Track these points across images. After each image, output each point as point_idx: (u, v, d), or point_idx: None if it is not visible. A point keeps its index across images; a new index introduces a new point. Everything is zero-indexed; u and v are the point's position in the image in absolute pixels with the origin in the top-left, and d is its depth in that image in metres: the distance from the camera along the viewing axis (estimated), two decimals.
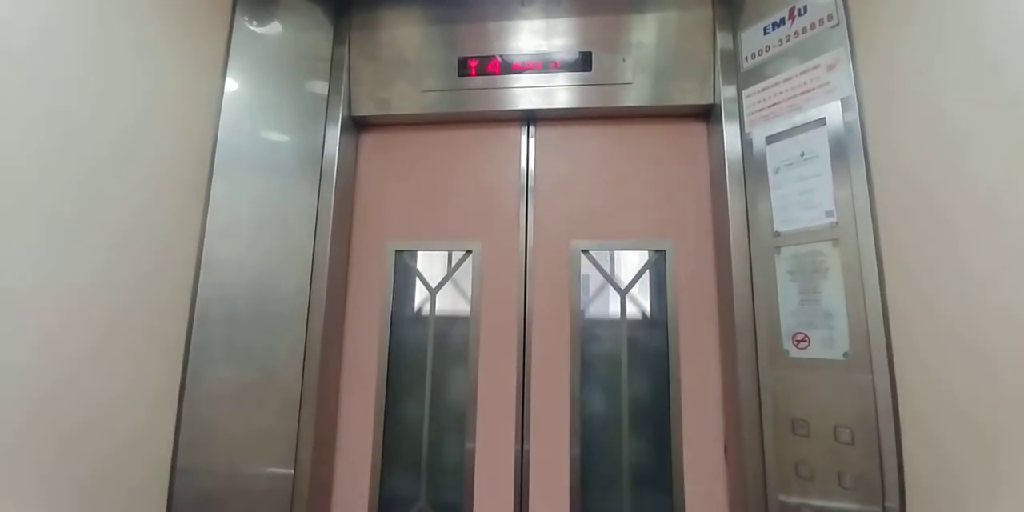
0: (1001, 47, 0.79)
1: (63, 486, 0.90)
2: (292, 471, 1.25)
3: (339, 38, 1.48)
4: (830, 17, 1.15)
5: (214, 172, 1.25)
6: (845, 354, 1.03)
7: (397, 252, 1.47)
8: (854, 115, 1.08)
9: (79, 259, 0.93)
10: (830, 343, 1.05)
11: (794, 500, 1.07)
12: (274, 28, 1.39)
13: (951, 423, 0.85)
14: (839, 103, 1.10)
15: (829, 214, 1.09)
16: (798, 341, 1.10)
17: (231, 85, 1.30)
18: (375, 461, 1.37)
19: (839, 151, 1.09)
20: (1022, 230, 0.74)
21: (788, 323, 1.13)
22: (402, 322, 1.45)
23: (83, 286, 0.94)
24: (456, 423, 1.38)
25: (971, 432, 0.82)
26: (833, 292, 1.06)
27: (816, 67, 1.15)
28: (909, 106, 0.97)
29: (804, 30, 1.19)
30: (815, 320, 1.08)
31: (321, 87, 1.44)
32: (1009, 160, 0.76)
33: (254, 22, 1.36)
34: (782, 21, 1.24)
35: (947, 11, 0.89)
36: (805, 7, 1.19)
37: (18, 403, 0.82)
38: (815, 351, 1.07)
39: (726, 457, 1.27)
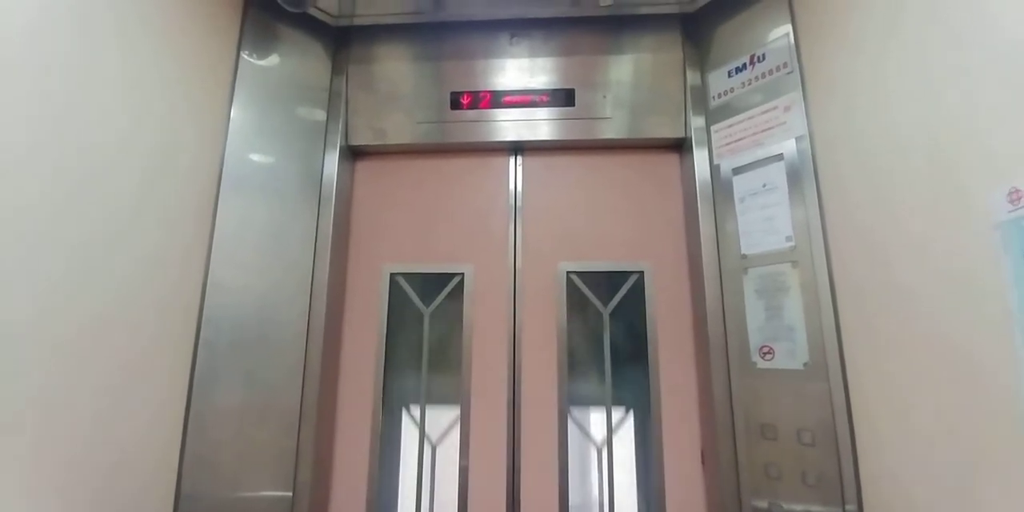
0: (932, 100, 0.93)
1: (69, 509, 0.92)
2: (291, 493, 1.28)
3: (337, 71, 1.57)
4: (785, 64, 1.30)
5: (220, 198, 1.30)
6: (805, 364, 1.15)
7: (392, 275, 1.54)
8: (807, 151, 1.22)
9: (99, 286, 0.98)
10: (792, 354, 1.18)
11: (765, 500, 1.17)
12: (275, 61, 1.47)
13: (896, 424, 0.98)
14: (794, 141, 1.25)
15: (788, 238, 1.23)
16: (764, 353, 1.22)
17: (236, 115, 1.36)
18: (372, 482, 1.41)
19: (795, 182, 1.23)
20: (947, 258, 0.88)
21: (756, 337, 1.25)
22: (397, 343, 1.52)
23: (101, 312, 0.98)
24: (450, 439, 1.44)
25: (912, 431, 0.94)
26: (794, 308, 1.19)
27: (775, 108, 1.30)
28: (852, 144, 1.11)
29: (763, 75, 1.34)
30: (779, 334, 1.21)
31: (320, 116, 1.52)
32: (938, 198, 0.90)
33: (256, 56, 1.43)
34: (744, 66, 1.39)
35: (888, 63, 1.03)
36: (764, 55, 1.35)
37: (31, 428, 0.85)
38: (779, 362, 1.20)
39: (703, 463, 1.37)
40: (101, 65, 1.00)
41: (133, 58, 1.08)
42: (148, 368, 1.09)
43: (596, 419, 1.44)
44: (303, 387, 1.34)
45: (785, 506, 1.14)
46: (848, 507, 1.05)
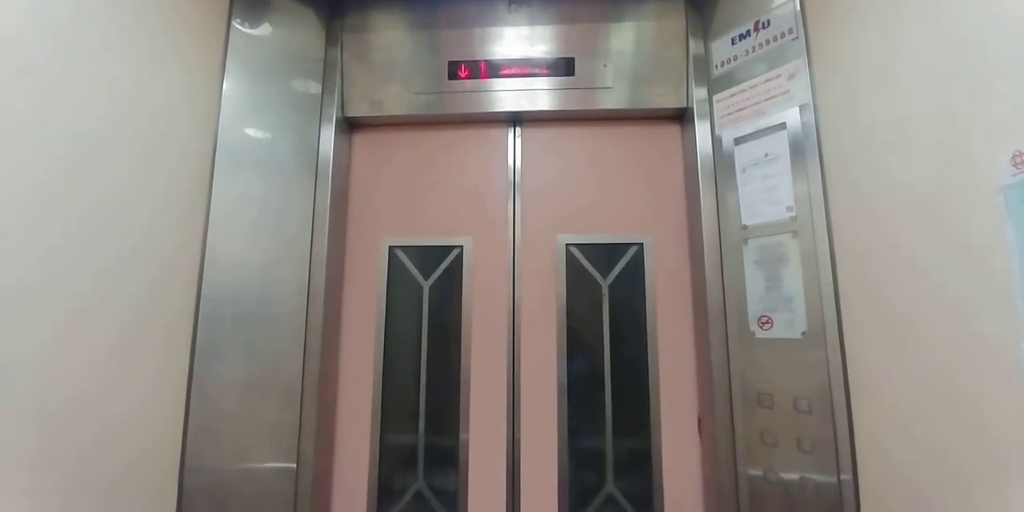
0: (938, 65, 0.91)
1: (78, 483, 0.93)
2: (295, 465, 1.30)
3: (331, 40, 1.53)
4: (791, 31, 1.27)
5: (215, 172, 1.29)
6: (803, 333, 1.16)
7: (391, 248, 1.53)
8: (811, 120, 1.20)
9: (93, 262, 0.97)
10: (790, 324, 1.18)
11: (760, 468, 1.19)
12: (268, 30, 1.43)
13: (892, 391, 0.98)
14: (798, 109, 1.22)
15: (789, 209, 1.22)
16: (763, 323, 1.23)
17: (229, 87, 1.34)
18: (373, 452, 1.44)
19: (798, 152, 1.22)
20: (950, 223, 0.87)
21: (755, 307, 1.25)
22: (397, 315, 1.52)
23: (95, 286, 0.98)
24: (450, 413, 1.45)
25: (909, 398, 0.95)
26: (793, 279, 1.19)
27: (778, 76, 1.27)
28: (856, 113, 1.09)
29: (768, 42, 1.31)
30: (778, 304, 1.21)
31: (315, 88, 1.49)
32: (942, 164, 0.89)
33: (247, 24, 1.40)
34: (748, 33, 1.35)
35: (895, 30, 1.01)
36: (768, 21, 1.31)
37: (34, 400, 0.85)
38: (778, 332, 1.20)
39: (700, 432, 1.39)
40: (90, 37, 0.98)
41: (122, 29, 1.05)
42: (145, 342, 1.10)
43: (596, 389, 1.45)
44: (304, 360, 1.35)
45: (781, 473, 1.16)
46: (843, 475, 1.07)
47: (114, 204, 1.01)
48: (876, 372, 1.03)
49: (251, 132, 1.37)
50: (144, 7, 1.10)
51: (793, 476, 1.14)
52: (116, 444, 1.02)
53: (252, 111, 1.38)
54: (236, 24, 1.37)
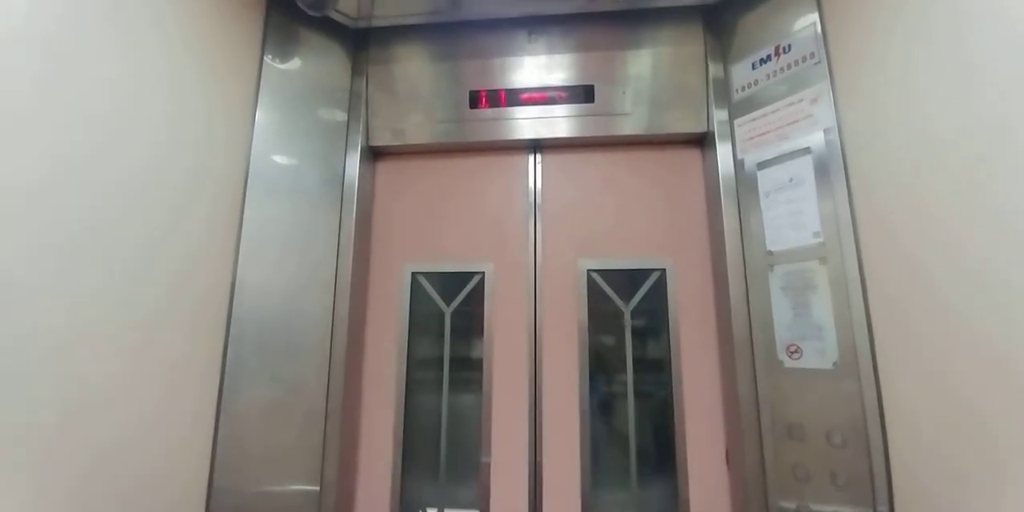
0: (971, 80, 0.89)
1: (103, 504, 0.94)
2: (318, 488, 1.31)
3: (357, 71, 1.59)
4: (812, 55, 1.26)
5: (247, 199, 1.33)
6: (835, 363, 1.12)
7: (413, 274, 1.55)
8: (836, 144, 1.19)
9: (142, 293, 1.02)
10: (821, 353, 1.15)
11: (793, 502, 1.15)
12: (297, 64, 1.49)
13: (929, 425, 0.94)
14: (822, 133, 1.21)
15: (816, 234, 1.19)
16: (792, 352, 1.19)
17: (261, 118, 1.39)
18: (395, 476, 1.43)
19: (823, 177, 1.20)
20: (980, 255, 0.84)
21: (782, 335, 1.22)
22: (419, 340, 1.53)
23: (145, 317, 1.02)
24: (472, 437, 1.45)
25: (946, 432, 0.91)
26: (822, 306, 1.16)
27: (801, 100, 1.26)
28: (884, 135, 1.07)
29: (789, 66, 1.30)
30: (807, 332, 1.18)
31: (341, 117, 1.54)
32: (968, 188, 0.87)
33: (278, 60, 1.46)
34: (769, 57, 1.35)
35: (918, 52, 1.00)
36: (790, 46, 1.31)
37: (58, 419, 0.87)
38: (808, 361, 1.17)
39: (728, 463, 1.34)
40: (139, 75, 1.04)
41: (167, 67, 1.11)
42: (187, 368, 1.14)
43: (619, 418, 1.42)
44: (328, 385, 1.36)
45: (814, 507, 1.11)
46: (879, 508, 1.02)
47: (158, 236, 1.07)
48: (912, 404, 0.98)
49: (280, 160, 1.41)
50: (183, 45, 1.17)
51: (827, 511, 1.09)
52: (150, 466, 1.04)
53: (281, 140, 1.42)
54: (268, 60, 1.43)
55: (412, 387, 1.50)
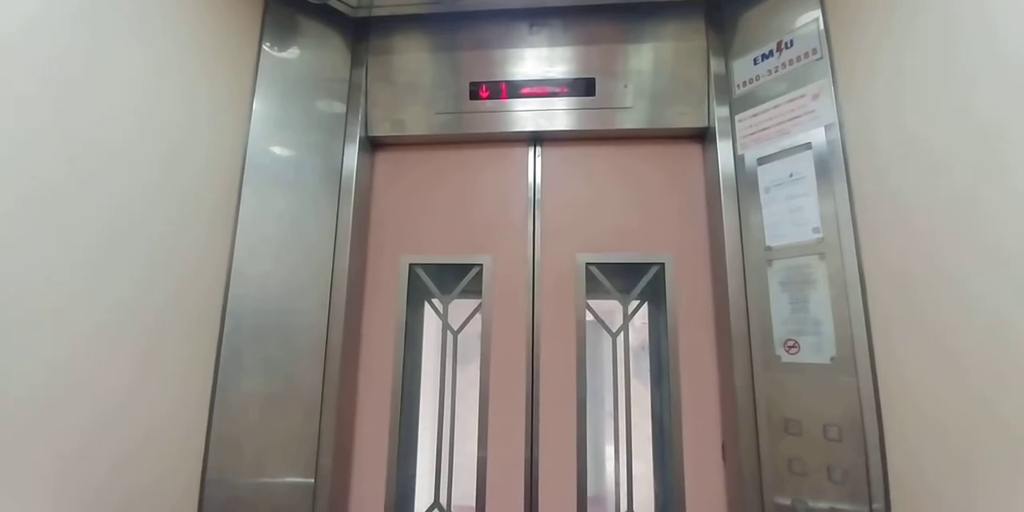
0: (968, 78, 0.89)
1: (95, 495, 0.93)
2: (313, 480, 1.30)
3: (357, 62, 1.57)
4: (814, 51, 1.26)
5: (243, 189, 1.31)
6: (832, 358, 1.12)
7: (411, 266, 1.54)
8: (837, 140, 1.19)
9: (118, 275, 0.99)
10: (818, 348, 1.15)
11: (788, 497, 1.15)
12: (296, 53, 1.47)
13: (927, 420, 0.95)
14: (823, 129, 1.21)
15: (816, 230, 1.19)
16: (789, 347, 1.20)
17: (258, 107, 1.37)
18: (391, 469, 1.43)
19: (824, 172, 1.20)
20: (980, 249, 0.84)
21: (780, 330, 1.22)
22: (416, 332, 1.52)
23: (121, 300, 0.99)
24: (468, 430, 1.44)
25: (943, 429, 0.91)
26: (820, 301, 1.16)
27: (802, 96, 1.26)
28: (885, 131, 1.07)
29: (791, 62, 1.30)
30: (805, 327, 1.18)
31: (340, 108, 1.53)
32: (978, 179, 0.86)
33: (277, 48, 1.44)
34: (770, 53, 1.35)
35: (919, 47, 1.00)
36: (791, 41, 1.31)
37: (56, 411, 0.86)
38: (805, 356, 1.17)
39: (724, 457, 1.35)
40: (126, 59, 1.01)
41: (156, 52, 1.09)
42: (170, 355, 1.11)
43: (615, 411, 1.42)
44: (324, 375, 1.35)
45: (810, 503, 1.12)
46: (875, 505, 1.03)
47: (133, 219, 1.03)
48: (910, 399, 0.99)
49: (278, 150, 1.40)
50: (177, 32, 1.14)
51: (823, 506, 1.10)
52: (139, 456, 1.03)
53: (279, 130, 1.41)
54: (266, 48, 1.41)
55: (408, 378, 1.49)
